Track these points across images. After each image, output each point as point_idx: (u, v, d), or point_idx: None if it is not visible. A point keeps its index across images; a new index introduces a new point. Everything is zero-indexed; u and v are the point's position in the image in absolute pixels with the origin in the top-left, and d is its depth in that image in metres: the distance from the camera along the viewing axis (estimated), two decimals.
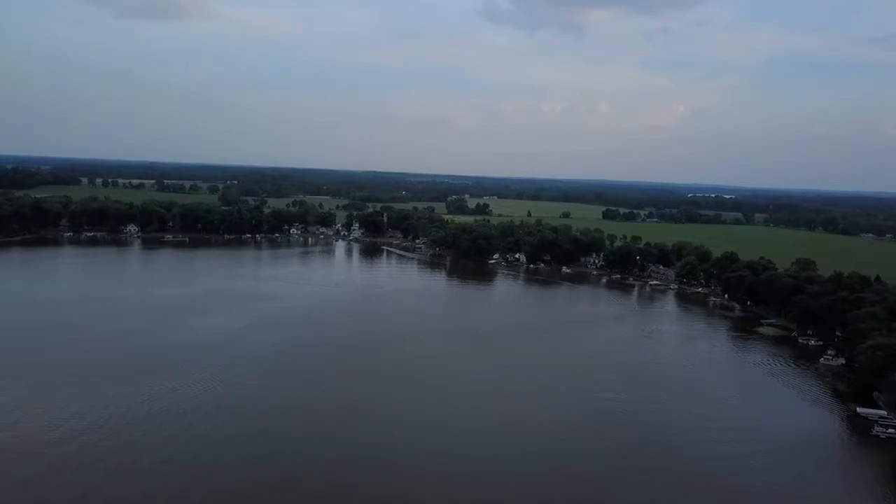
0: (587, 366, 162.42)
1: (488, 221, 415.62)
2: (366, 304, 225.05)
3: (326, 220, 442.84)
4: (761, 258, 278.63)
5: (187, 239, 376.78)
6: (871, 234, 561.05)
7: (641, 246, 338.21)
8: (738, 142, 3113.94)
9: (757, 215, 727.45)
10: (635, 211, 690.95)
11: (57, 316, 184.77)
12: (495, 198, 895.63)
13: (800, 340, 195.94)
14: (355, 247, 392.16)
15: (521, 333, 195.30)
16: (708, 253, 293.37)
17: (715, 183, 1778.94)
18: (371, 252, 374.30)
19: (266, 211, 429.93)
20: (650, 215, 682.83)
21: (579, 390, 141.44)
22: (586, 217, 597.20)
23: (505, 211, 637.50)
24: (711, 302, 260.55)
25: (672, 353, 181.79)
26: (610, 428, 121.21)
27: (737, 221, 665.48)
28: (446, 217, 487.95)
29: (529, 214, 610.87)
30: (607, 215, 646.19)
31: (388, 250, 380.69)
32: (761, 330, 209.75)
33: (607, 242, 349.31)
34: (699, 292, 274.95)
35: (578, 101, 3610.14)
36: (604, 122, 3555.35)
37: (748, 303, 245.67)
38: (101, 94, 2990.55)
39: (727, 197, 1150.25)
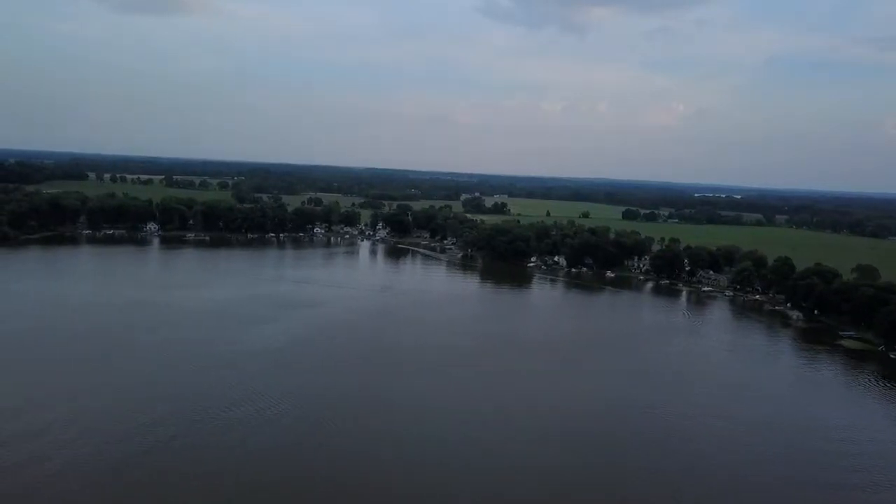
0: (674, 385, 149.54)
1: (519, 222, 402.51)
2: (422, 311, 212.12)
3: (351, 219, 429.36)
4: (817, 264, 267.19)
5: (208, 238, 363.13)
6: None
7: (682, 248, 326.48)
8: (739, 142, 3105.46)
9: (777, 216, 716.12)
10: (655, 211, 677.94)
11: (104, 320, 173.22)
12: (507, 196, 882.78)
13: (891, 356, 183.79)
14: (381, 247, 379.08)
15: (589, 344, 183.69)
16: (762, 258, 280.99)
17: (717, 182, 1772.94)
18: (399, 253, 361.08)
19: (289, 209, 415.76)
20: (670, 216, 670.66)
21: (676, 414, 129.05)
22: (606, 217, 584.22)
23: (523, 210, 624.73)
24: (768, 309, 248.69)
25: (763, 371, 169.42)
26: (734, 458, 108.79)
27: (758, 223, 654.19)
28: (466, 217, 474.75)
29: (548, 214, 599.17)
30: (627, 215, 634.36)
31: (416, 251, 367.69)
32: (844, 343, 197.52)
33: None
34: (756, 300, 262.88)
35: (579, 99, 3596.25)
36: (605, 120, 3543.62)
37: (814, 312, 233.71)
38: (100, 89, 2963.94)
39: (737, 197, 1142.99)
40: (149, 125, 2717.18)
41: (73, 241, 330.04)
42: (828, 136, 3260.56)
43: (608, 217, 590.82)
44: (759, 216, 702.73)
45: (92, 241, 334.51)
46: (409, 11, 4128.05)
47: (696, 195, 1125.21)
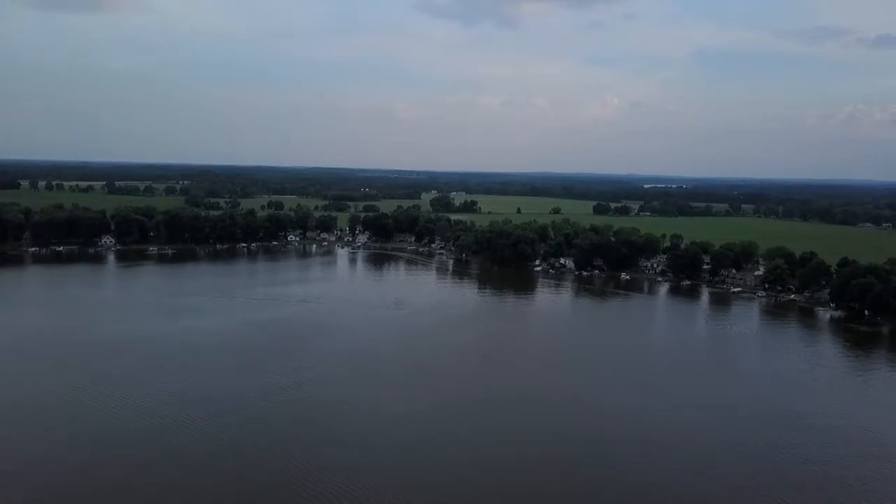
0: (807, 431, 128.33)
1: (511, 222, 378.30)
2: (466, 332, 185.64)
3: (328, 224, 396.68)
4: (844, 258, 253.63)
5: (171, 251, 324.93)
6: (869, 224, 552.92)
7: (689, 244, 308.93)
8: (675, 133, 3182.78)
9: (744, 206, 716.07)
10: (627, 204, 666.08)
11: (107, 363, 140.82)
12: (465, 193, 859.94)
13: None
14: (364, 254, 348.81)
15: (678, 364, 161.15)
16: (792, 255, 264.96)
17: (658, 174, 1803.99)
18: (386, 260, 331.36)
19: (261, 215, 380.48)
20: (641, 209, 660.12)
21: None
22: (577, 212, 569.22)
23: (493, 208, 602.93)
24: (811, 310, 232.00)
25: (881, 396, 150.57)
26: None
27: (727, 213, 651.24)
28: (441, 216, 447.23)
29: (519, 211, 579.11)
30: (598, 210, 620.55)
31: (403, 257, 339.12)
32: None
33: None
34: (793, 300, 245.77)
35: (519, 94, 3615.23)
36: (545, 115, 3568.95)
37: (865, 313, 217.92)
38: (19, 90, 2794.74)
39: (683, 187, 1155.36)
40: (76, 128, 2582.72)
41: (18, 260, 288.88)
42: (759, 126, 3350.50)
43: (579, 212, 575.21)
44: (726, 206, 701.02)
45: (40, 259, 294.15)
46: (345, 6, 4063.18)
47: (645, 186, 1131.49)
